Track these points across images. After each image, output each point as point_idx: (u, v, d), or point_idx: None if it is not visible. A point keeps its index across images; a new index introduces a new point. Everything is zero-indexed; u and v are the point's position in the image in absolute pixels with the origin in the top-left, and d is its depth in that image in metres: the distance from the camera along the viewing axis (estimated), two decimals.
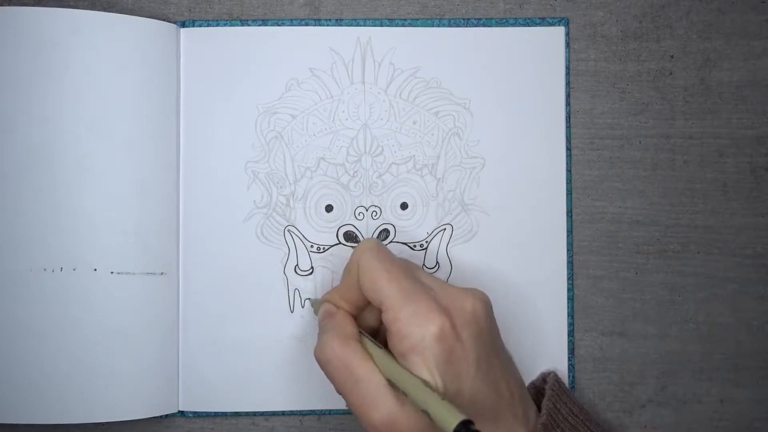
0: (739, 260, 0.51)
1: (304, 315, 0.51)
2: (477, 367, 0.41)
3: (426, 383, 0.39)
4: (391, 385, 0.40)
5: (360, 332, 0.44)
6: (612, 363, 0.51)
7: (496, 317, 0.44)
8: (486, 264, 0.51)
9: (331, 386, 0.50)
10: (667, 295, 0.51)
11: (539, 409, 0.45)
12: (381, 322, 0.45)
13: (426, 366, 0.40)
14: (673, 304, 0.51)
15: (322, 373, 0.50)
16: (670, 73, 0.52)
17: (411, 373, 0.40)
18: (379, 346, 0.43)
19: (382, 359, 0.41)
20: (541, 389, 0.48)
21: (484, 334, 0.42)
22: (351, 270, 0.44)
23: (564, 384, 0.48)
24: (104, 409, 0.48)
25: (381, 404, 0.40)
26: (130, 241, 0.48)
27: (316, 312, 0.48)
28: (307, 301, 0.50)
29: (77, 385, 0.47)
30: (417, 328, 0.40)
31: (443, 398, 0.38)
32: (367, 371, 0.41)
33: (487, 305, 0.43)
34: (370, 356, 0.42)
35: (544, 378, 0.49)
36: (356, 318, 0.45)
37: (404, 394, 0.40)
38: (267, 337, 0.50)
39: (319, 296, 0.51)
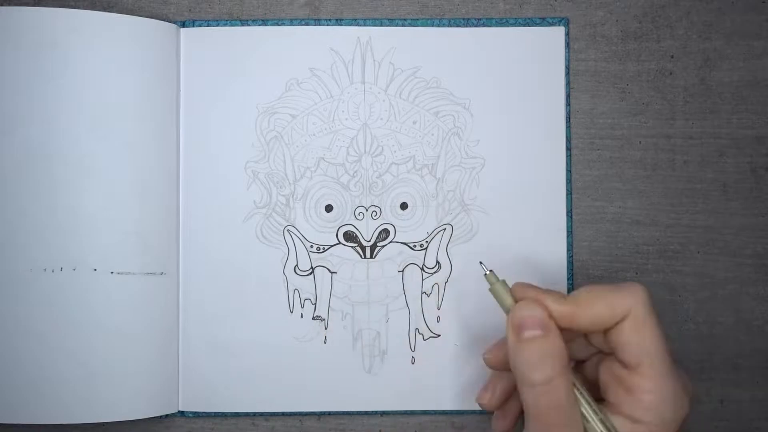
0: (739, 260, 0.51)
1: (303, 315, 0.51)
2: None
3: None
4: None
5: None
6: None
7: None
8: (486, 264, 0.51)
9: (330, 387, 0.50)
10: (667, 295, 0.51)
11: None
12: (584, 358, 0.43)
13: None
14: (673, 304, 0.51)
15: (321, 373, 0.50)
16: (670, 73, 0.52)
17: None
18: (585, 391, 0.40)
19: (591, 410, 0.39)
20: None
21: None
22: (613, 307, 0.40)
23: None
24: (104, 409, 0.48)
25: None
26: (130, 241, 0.48)
27: (491, 289, 0.43)
28: (482, 267, 0.44)
29: (77, 385, 0.47)
30: (670, 409, 0.39)
31: None
32: (575, 422, 0.38)
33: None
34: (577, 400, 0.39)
35: None
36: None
37: None
38: (267, 337, 0.50)
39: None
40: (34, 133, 0.47)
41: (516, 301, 0.42)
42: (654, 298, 0.40)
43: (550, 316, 0.40)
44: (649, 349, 0.39)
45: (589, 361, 0.44)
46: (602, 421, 0.39)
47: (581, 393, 0.40)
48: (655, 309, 0.40)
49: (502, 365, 0.44)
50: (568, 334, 0.41)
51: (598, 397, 0.41)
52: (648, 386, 0.39)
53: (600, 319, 0.40)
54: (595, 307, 0.40)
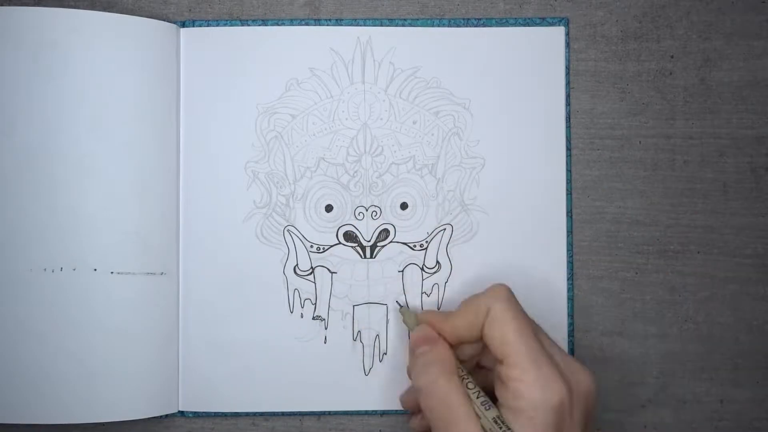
0: (739, 260, 0.51)
1: (303, 315, 0.51)
2: None
3: None
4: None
5: (459, 368, 0.44)
6: (612, 363, 0.51)
7: None
8: (486, 264, 0.51)
9: (330, 387, 0.50)
10: (667, 295, 0.51)
11: None
12: (473, 356, 0.46)
13: (533, 430, 0.40)
14: (673, 304, 0.51)
15: (321, 373, 0.50)
16: (670, 73, 0.52)
17: None
18: (478, 389, 0.43)
19: (482, 405, 0.42)
20: None
21: (590, 414, 0.43)
22: (477, 311, 0.43)
23: None
24: (104, 409, 0.48)
25: None
26: (130, 241, 0.48)
27: (406, 321, 0.48)
28: (397, 304, 0.50)
29: (77, 385, 0.47)
30: (539, 393, 0.40)
31: None
32: (466, 415, 0.41)
33: (596, 386, 0.43)
34: (470, 398, 0.42)
35: None
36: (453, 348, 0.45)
37: None
38: (267, 337, 0.50)
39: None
40: (34, 133, 0.47)
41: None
42: (516, 296, 0.44)
43: (440, 334, 0.45)
44: (508, 341, 0.42)
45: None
46: (495, 418, 0.41)
47: (473, 392, 0.43)
48: (514, 305, 0.43)
49: (415, 407, 0.47)
50: (473, 346, 0.45)
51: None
52: (513, 375, 0.41)
53: (472, 324, 0.44)
54: (466, 315, 0.44)
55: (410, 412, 0.49)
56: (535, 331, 0.43)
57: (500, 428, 0.41)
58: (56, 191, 0.47)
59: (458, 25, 0.51)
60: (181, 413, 0.50)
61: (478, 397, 0.42)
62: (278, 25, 0.51)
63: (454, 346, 0.45)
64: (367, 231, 0.51)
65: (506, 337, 0.42)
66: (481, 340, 0.44)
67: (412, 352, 0.45)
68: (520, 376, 0.41)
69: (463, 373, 0.44)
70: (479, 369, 0.47)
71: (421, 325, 0.46)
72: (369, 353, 0.51)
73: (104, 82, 0.48)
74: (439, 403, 0.42)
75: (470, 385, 0.43)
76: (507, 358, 0.42)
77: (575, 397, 0.41)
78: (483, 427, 0.41)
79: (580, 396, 0.42)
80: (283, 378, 0.50)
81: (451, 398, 0.42)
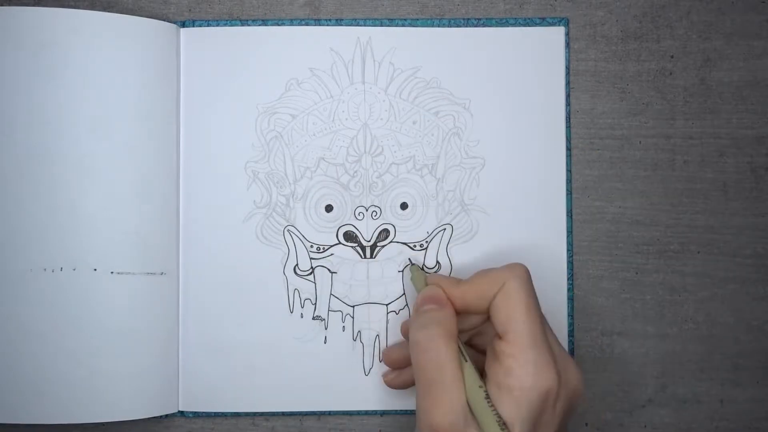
0: (739, 260, 0.51)
1: (303, 315, 0.51)
2: None
3: (504, 425, 0.40)
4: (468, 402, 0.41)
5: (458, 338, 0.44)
6: (612, 363, 0.51)
7: None
8: (486, 264, 0.51)
9: (330, 387, 0.50)
10: (667, 295, 0.51)
11: None
12: (469, 330, 0.46)
13: (513, 411, 0.40)
14: (673, 304, 0.51)
15: (321, 373, 0.50)
16: (670, 73, 0.52)
17: (495, 409, 0.41)
18: (470, 363, 0.43)
19: (471, 376, 0.42)
20: None
21: (569, 414, 0.43)
22: (491, 282, 0.44)
23: None
24: (104, 409, 0.48)
25: (451, 416, 0.41)
26: (130, 241, 0.48)
27: (412, 278, 0.49)
28: (409, 262, 0.50)
29: (77, 385, 0.47)
30: (530, 376, 0.41)
31: None
32: (454, 379, 0.41)
33: (584, 388, 0.43)
34: (461, 367, 0.42)
35: None
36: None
37: (473, 415, 0.41)
38: (267, 337, 0.50)
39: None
40: (34, 133, 0.47)
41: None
42: (531, 278, 0.44)
43: (449, 298, 0.45)
44: (515, 318, 0.42)
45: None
46: (481, 388, 0.41)
47: (465, 360, 0.42)
48: (529, 285, 0.43)
49: (397, 363, 0.49)
50: (473, 320, 0.45)
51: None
52: (509, 351, 0.41)
53: (483, 294, 0.44)
54: (479, 284, 0.44)
55: (388, 369, 0.50)
56: (541, 318, 0.43)
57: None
58: (56, 191, 0.47)
59: (458, 25, 0.51)
60: (181, 413, 0.50)
61: (469, 370, 0.42)
62: (278, 25, 0.51)
63: (457, 316, 0.45)
64: (367, 231, 0.51)
65: (513, 313, 0.42)
66: (486, 313, 0.44)
67: (417, 308, 0.45)
68: (517, 354, 0.41)
69: (459, 344, 0.44)
70: (469, 347, 0.46)
71: (431, 285, 0.46)
72: (369, 353, 0.51)
73: (104, 82, 0.48)
74: (431, 361, 0.42)
75: (464, 355, 0.43)
76: (508, 334, 0.42)
77: (563, 391, 0.42)
78: (467, 399, 0.41)
79: (567, 391, 0.42)
80: (283, 378, 0.50)
81: (444, 360, 0.42)
